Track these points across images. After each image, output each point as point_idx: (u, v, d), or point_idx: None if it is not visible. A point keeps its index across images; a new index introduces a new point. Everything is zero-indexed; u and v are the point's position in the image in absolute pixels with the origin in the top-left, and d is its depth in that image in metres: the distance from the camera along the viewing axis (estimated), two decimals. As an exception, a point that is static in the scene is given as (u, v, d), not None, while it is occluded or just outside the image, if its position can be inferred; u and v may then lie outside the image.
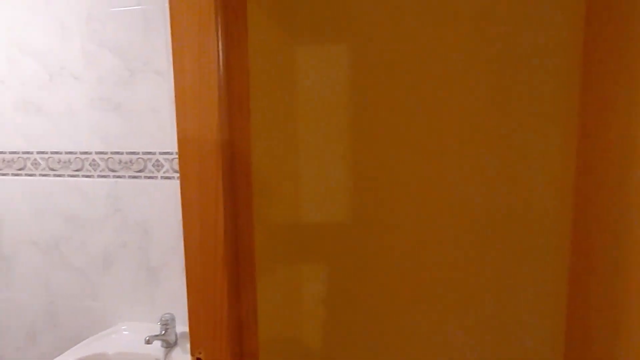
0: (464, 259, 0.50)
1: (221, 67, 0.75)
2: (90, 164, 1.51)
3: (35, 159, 1.57)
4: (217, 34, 0.72)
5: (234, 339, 0.86)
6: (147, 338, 1.25)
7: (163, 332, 1.29)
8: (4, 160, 1.61)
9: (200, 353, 0.89)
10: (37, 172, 1.57)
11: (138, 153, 1.45)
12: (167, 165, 1.43)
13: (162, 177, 1.44)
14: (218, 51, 0.72)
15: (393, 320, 0.57)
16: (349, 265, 0.60)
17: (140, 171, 1.45)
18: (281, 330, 0.87)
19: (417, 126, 0.50)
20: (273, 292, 0.86)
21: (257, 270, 0.87)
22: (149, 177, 1.45)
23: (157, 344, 1.31)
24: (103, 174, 1.49)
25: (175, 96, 0.83)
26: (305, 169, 0.62)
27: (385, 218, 0.56)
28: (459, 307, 0.51)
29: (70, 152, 1.52)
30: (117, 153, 1.47)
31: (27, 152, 1.57)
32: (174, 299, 1.43)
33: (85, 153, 1.51)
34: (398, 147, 0.53)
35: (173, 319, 1.32)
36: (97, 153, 1.50)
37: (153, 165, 1.44)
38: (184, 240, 0.89)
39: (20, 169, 1.59)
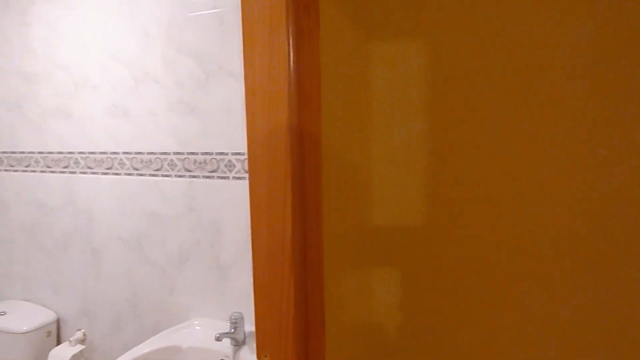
0: (548, 262, 0.44)
1: (291, 63, 0.73)
2: (168, 164, 1.58)
3: (121, 159, 1.68)
4: (288, 29, 0.71)
5: (300, 344, 0.84)
6: (217, 335, 1.28)
7: (232, 330, 1.32)
8: (95, 160, 1.74)
9: (266, 357, 0.89)
10: (123, 172, 1.68)
11: (212, 153, 1.50)
12: (238, 166, 1.46)
13: (233, 178, 1.47)
14: (289, 47, 0.71)
15: (469, 327, 0.52)
16: (423, 269, 0.56)
17: (213, 171, 1.50)
18: (350, 336, 0.84)
19: (498, 126, 0.45)
20: (342, 296, 0.83)
21: (325, 274, 0.85)
22: (222, 177, 1.49)
23: (226, 341, 1.34)
24: (180, 173, 1.56)
25: (245, 94, 0.83)
26: (379, 170, 0.58)
27: (463, 220, 0.50)
28: (542, 312, 0.45)
29: (151, 153, 1.61)
30: (193, 153, 1.53)
31: (115, 153, 1.69)
32: (243, 297, 1.46)
33: (164, 153, 1.58)
34: (477, 148, 0.47)
35: (242, 318, 1.34)
36: (174, 153, 1.57)
37: (225, 166, 1.48)
38: (252, 242, 0.88)
39: (108, 168, 1.71)
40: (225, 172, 1.48)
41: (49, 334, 1.85)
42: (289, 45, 0.71)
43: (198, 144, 1.52)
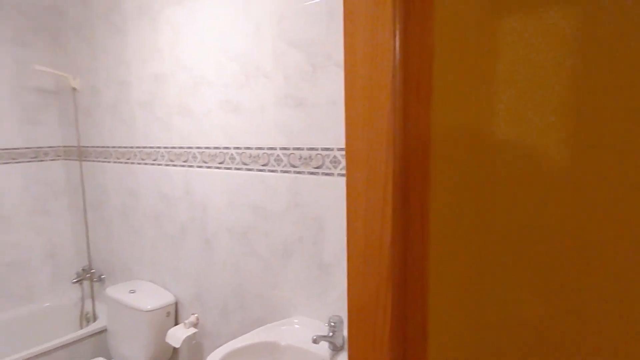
0: None
1: (397, 44, 0.65)
2: (275, 159, 1.59)
3: (232, 154, 1.74)
4: (394, 4, 0.62)
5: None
6: (315, 337, 1.25)
7: (330, 334, 1.27)
8: (209, 155, 1.83)
9: (357, 369, 0.82)
10: (233, 166, 1.74)
11: (317, 149, 1.47)
12: (344, 162, 1.41)
13: (338, 174, 1.42)
14: (394, 25, 0.63)
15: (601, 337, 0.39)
16: (555, 271, 0.44)
17: (318, 167, 1.47)
18: (458, 354, 0.73)
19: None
20: (450, 310, 0.73)
21: (430, 283, 0.75)
22: (327, 174, 1.45)
23: (324, 344, 1.30)
24: (285, 169, 1.56)
25: (345, 81, 0.76)
26: (501, 173, 0.48)
27: (596, 228, 0.38)
28: None
29: (259, 148, 1.64)
30: (298, 149, 1.52)
31: (226, 148, 1.76)
32: (344, 300, 1.41)
33: (271, 149, 1.60)
34: (623, 150, 0.35)
35: (341, 322, 1.29)
36: (281, 149, 1.57)
37: (330, 162, 1.44)
38: (347, 243, 0.82)
39: (220, 163, 1.79)
40: (330, 169, 1.44)
41: (168, 314, 2.01)
42: (394, 21, 0.62)
43: (304, 139, 1.50)
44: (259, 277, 1.69)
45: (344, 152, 1.41)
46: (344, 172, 1.41)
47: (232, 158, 1.74)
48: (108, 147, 2.40)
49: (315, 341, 1.25)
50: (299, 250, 1.54)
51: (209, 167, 1.84)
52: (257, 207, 1.66)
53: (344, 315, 1.35)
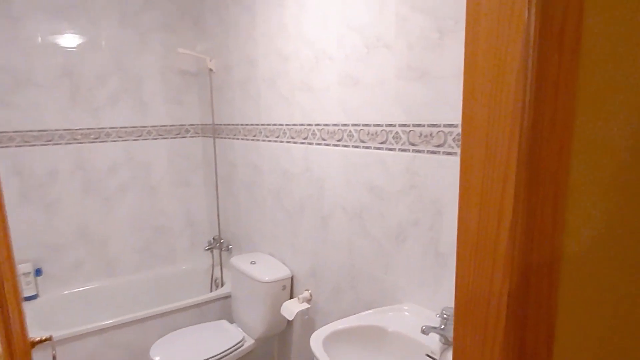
0: None
1: (532, 16, 0.54)
2: (393, 137, 1.52)
3: (350, 131, 1.71)
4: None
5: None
6: (424, 328, 1.17)
7: (442, 326, 1.18)
8: (328, 132, 1.83)
9: (464, 369, 0.73)
10: (350, 144, 1.72)
11: (439, 125, 1.36)
12: (468, 140, 1.28)
13: (461, 154, 1.30)
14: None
15: None
16: None
17: (439, 146, 1.36)
18: None
19: None
20: (585, 323, 0.61)
21: (559, 292, 0.63)
22: (448, 153, 1.34)
23: (434, 336, 1.22)
24: (403, 147, 1.48)
25: (465, 50, 0.67)
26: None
27: None
28: None
29: (378, 125, 1.58)
30: (419, 125, 1.43)
31: (345, 125, 1.74)
32: (460, 292, 1.30)
33: (390, 125, 1.53)
34: None
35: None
36: (400, 125, 1.50)
37: (454, 140, 1.32)
38: (457, 232, 0.73)
39: (338, 140, 1.78)
40: (452, 147, 1.33)
41: (284, 287, 2.10)
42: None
43: (425, 115, 1.41)
44: (371, 259, 1.65)
45: (469, 129, 1.28)
46: (468, 151, 1.29)
47: (350, 135, 1.72)
48: (237, 124, 2.56)
49: (424, 331, 1.17)
50: (414, 234, 1.46)
51: (327, 145, 1.85)
52: (373, 186, 1.62)
53: (459, 308, 1.24)
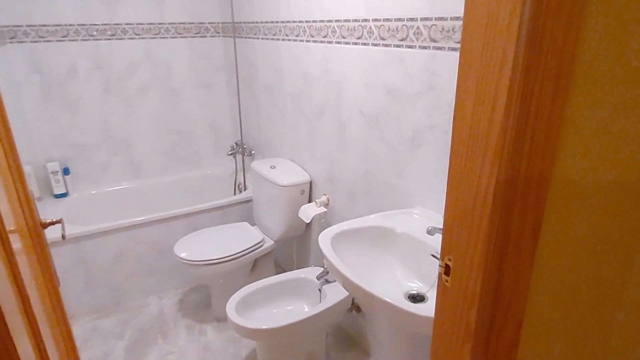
0: None
1: None
2: (414, 33, 1.47)
3: (370, 28, 1.66)
4: None
5: (493, 254, 0.70)
6: (430, 228, 1.22)
7: (447, 227, 1.23)
8: (348, 29, 1.78)
9: (449, 260, 0.78)
10: (370, 41, 1.67)
11: (462, 18, 1.30)
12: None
13: (484, 51, 1.25)
14: None
15: None
16: None
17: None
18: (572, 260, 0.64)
19: None
20: (570, 221, 0.63)
21: (551, 184, 0.64)
22: (470, 51, 1.29)
23: (439, 237, 1.27)
24: (424, 44, 1.43)
25: None
26: None
27: None
28: None
29: (399, 19, 1.52)
30: (441, 19, 1.36)
31: (365, 20, 1.67)
32: (471, 195, 1.33)
33: (411, 20, 1.47)
34: None
35: (462, 217, 1.23)
36: (422, 19, 1.43)
37: (477, 36, 1.26)
38: (453, 120, 0.74)
39: (358, 38, 1.73)
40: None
41: (302, 192, 2.18)
42: None
43: (449, 6, 1.34)
44: (386, 164, 1.68)
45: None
46: (491, 48, 1.24)
47: (370, 32, 1.66)
48: (257, 22, 2.50)
49: (429, 232, 1.22)
50: (429, 139, 1.46)
51: (346, 43, 1.80)
52: (391, 88, 1.59)
53: (465, 210, 1.28)
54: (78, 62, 2.60)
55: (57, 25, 2.50)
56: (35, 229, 1.08)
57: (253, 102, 2.76)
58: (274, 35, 2.36)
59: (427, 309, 1.19)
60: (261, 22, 2.46)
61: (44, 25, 2.46)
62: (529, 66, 0.59)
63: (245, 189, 2.88)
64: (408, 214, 1.48)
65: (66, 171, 2.66)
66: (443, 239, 0.80)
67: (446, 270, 0.79)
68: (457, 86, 0.72)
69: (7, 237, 0.81)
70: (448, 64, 1.36)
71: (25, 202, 1.04)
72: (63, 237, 1.24)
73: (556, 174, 0.64)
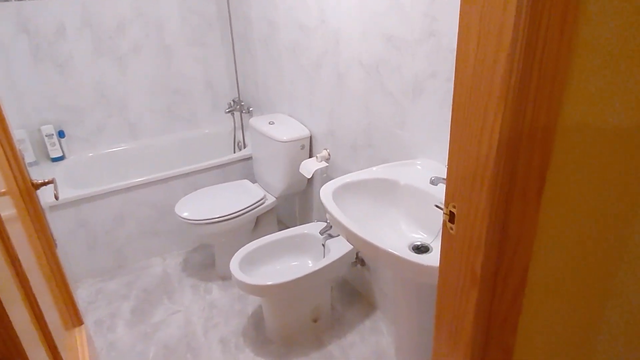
0: None
1: None
2: (414, -24, 1.40)
3: (367, -28, 1.58)
4: None
5: (497, 196, 0.68)
6: (433, 179, 1.21)
7: (450, 177, 1.21)
8: (345, -25, 1.70)
9: (454, 207, 0.77)
10: (368, -13, 1.59)
11: (465, -40, 1.23)
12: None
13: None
14: None
15: None
16: None
17: (464, -15, 1.25)
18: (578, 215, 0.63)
19: None
20: (576, 169, 0.61)
21: (558, 127, 0.62)
22: (473, -7, 1.23)
23: (443, 187, 1.26)
24: (424, -12, 1.37)
25: None
26: None
27: None
28: None
29: (397, -37, 1.45)
30: (442, -39, 1.30)
31: (362, -35, 1.60)
32: (474, 144, 1.30)
33: (411, -37, 1.40)
34: None
35: (466, 167, 1.21)
36: (421, -38, 1.36)
37: (480, -23, 1.20)
38: (456, 59, 0.71)
39: (355, -16, 1.65)
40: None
41: (302, 147, 2.16)
42: None
43: (449, -53, 1.27)
44: (387, 115, 1.65)
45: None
46: (495, -11, 1.18)
47: (367, -22, 1.59)
48: (249, -28, 2.40)
49: (432, 182, 1.21)
50: (431, 87, 1.42)
51: (343, -9, 1.72)
52: (391, 36, 1.54)
53: (469, 159, 1.26)
54: (66, 20, 2.49)
55: None
56: (27, 190, 1.06)
57: (250, 58, 2.69)
58: (267, -15, 2.26)
59: (432, 259, 1.19)
60: (254, -28, 2.36)
61: None
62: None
63: (244, 147, 2.86)
64: (411, 165, 1.46)
65: (61, 134, 2.62)
66: (447, 186, 0.79)
67: (450, 217, 0.78)
68: (459, 26, 0.68)
69: None
70: (449, 7, 1.30)
71: (15, 163, 1.01)
72: (56, 197, 1.22)
73: (563, 117, 0.61)
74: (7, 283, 0.76)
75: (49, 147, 2.57)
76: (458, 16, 1.25)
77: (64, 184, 2.36)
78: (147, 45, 2.76)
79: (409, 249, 1.27)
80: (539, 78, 0.61)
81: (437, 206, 1.24)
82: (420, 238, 1.31)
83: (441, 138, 1.42)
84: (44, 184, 1.15)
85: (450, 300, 0.81)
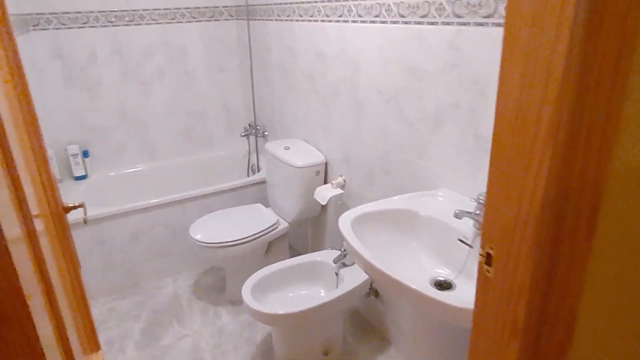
0: None
1: None
2: (436, 9, 1.34)
3: (388, 5, 1.53)
4: None
5: (543, 239, 0.60)
6: (457, 212, 1.12)
7: (477, 211, 1.12)
8: (365, 8, 1.65)
9: (491, 248, 0.68)
10: (389, 19, 1.54)
11: (491, -8, 1.17)
12: (524, 8, 1.10)
13: (514, 25, 1.12)
14: None
15: None
16: None
17: (488, 16, 1.19)
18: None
19: None
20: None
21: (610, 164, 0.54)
22: (498, 25, 1.17)
23: (468, 221, 1.17)
24: (447, 20, 1.31)
25: None
26: None
27: None
28: None
29: (421, -6, 1.39)
30: (467, -8, 1.24)
31: (384, -4, 1.55)
32: (498, 178, 1.22)
33: (435, -6, 1.34)
34: None
35: (491, 200, 1.12)
36: (445, -6, 1.30)
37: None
38: (497, 94, 0.63)
39: (375, 16, 1.60)
40: (503, 17, 1.15)
41: (317, 173, 2.08)
42: None
43: (475, -20, 1.21)
44: (406, 144, 1.57)
45: (526, -5, 1.09)
46: (522, 21, 1.11)
47: (389, 9, 1.53)
48: (271, 4, 2.37)
49: (457, 215, 1.12)
50: (453, 117, 1.34)
51: (363, 22, 1.67)
52: (411, 66, 1.47)
53: (495, 193, 1.17)
54: (98, 48, 2.53)
55: (78, 13, 2.44)
56: (58, 213, 1.01)
57: (266, 84, 2.65)
58: (287, 16, 2.23)
59: (456, 297, 1.09)
60: (275, 4, 2.33)
61: (65, 13, 2.41)
62: (590, 33, 0.48)
63: (258, 171, 2.79)
64: (432, 196, 1.37)
65: (85, 154, 2.59)
66: (484, 225, 0.70)
67: (487, 259, 0.70)
68: (501, 65, 0.61)
69: (31, 221, 0.74)
70: (474, 40, 1.24)
71: (49, 187, 0.96)
72: (85, 221, 1.18)
73: (615, 160, 0.53)
74: (38, 303, 0.70)
75: (73, 166, 2.54)
76: (485, 48, 1.19)
77: (86, 202, 2.29)
78: (170, 71, 2.75)
79: (431, 285, 1.17)
80: (590, 120, 0.53)
81: (460, 240, 1.15)
82: (442, 273, 1.21)
83: (463, 169, 1.34)
84: (74, 207, 1.11)
85: (486, 351, 0.71)
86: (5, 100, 0.79)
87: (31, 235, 0.75)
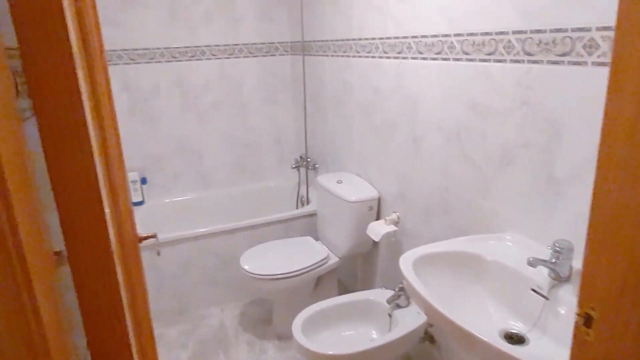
0: None
1: None
2: (504, 47, 1.29)
3: (451, 42, 1.49)
4: None
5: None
6: (531, 259, 1.03)
7: (554, 260, 1.02)
8: (425, 45, 1.62)
9: (592, 309, 0.59)
10: (451, 56, 1.50)
11: (566, 30, 1.11)
12: (605, 47, 1.02)
13: (594, 63, 1.05)
14: None
15: None
16: None
17: (563, 55, 1.12)
18: None
19: None
20: None
21: None
22: (575, 63, 1.09)
23: (542, 270, 1.07)
24: (517, 58, 1.25)
25: None
26: None
27: None
28: None
29: (486, 33, 1.34)
30: (538, 31, 1.18)
31: (445, 35, 1.51)
32: (578, 224, 1.11)
33: (501, 33, 1.29)
34: None
35: (571, 249, 1.02)
36: (514, 32, 1.25)
37: (584, 47, 1.07)
38: (599, 148, 0.56)
39: (437, 53, 1.56)
40: (581, 56, 1.08)
41: (370, 208, 2.02)
42: None
43: (547, 17, 1.15)
44: (468, 183, 1.49)
45: (608, 33, 1.02)
46: (603, 60, 1.03)
47: (451, 47, 1.49)
48: (327, 40, 2.39)
49: (531, 264, 1.02)
50: (522, 157, 1.26)
51: (424, 59, 1.64)
52: (476, 104, 1.41)
53: (577, 241, 1.06)
54: (161, 82, 2.64)
55: (146, 49, 2.58)
56: (132, 242, 1.01)
57: (319, 116, 2.65)
58: (344, 52, 2.23)
59: (530, 353, 0.99)
60: (331, 40, 2.35)
61: (135, 50, 2.54)
62: None
63: (308, 203, 2.76)
64: (499, 239, 1.28)
65: (144, 181, 2.67)
66: (583, 283, 0.61)
67: (587, 321, 0.61)
68: (607, 104, 0.54)
69: (110, 249, 0.73)
70: (547, 78, 1.17)
71: (127, 216, 0.97)
72: (158, 253, 1.20)
73: None
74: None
75: (132, 192, 2.61)
76: (559, 87, 1.11)
77: (141, 228, 2.32)
78: (226, 103, 2.82)
79: (501, 337, 1.06)
80: None
81: (534, 290, 1.05)
82: (513, 325, 1.10)
83: (533, 212, 1.24)
84: (147, 237, 1.13)
85: None
86: (111, 127, 0.81)
87: (110, 263, 0.75)
